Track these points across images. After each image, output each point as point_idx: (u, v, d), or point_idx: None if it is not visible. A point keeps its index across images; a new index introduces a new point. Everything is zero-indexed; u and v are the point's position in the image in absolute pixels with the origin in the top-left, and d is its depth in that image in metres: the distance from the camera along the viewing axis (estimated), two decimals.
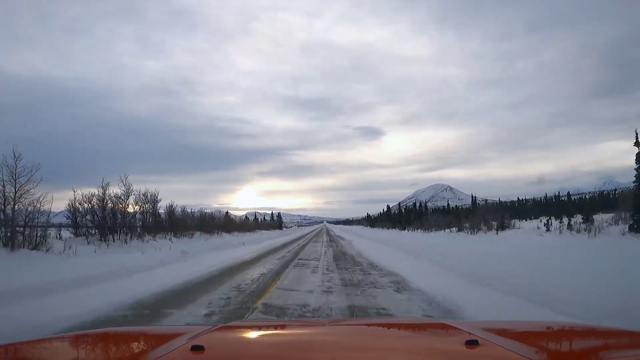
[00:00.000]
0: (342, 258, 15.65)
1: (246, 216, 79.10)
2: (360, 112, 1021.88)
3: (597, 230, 16.51)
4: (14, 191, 13.36)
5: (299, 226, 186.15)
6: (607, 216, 26.46)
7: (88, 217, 18.60)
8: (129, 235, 19.51)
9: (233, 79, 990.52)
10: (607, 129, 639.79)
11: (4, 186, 13.21)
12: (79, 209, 18.52)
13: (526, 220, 55.03)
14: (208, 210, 34.47)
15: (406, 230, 47.38)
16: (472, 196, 57.17)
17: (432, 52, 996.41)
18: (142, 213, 22.66)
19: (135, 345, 1.73)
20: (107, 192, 18.85)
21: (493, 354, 1.31)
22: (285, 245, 25.53)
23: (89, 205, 18.42)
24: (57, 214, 19.50)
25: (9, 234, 12.90)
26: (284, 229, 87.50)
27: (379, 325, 2.30)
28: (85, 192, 18.67)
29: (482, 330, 1.60)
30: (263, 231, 52.25)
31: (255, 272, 11.17)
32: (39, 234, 14.08)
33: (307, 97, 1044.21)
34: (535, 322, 2.45)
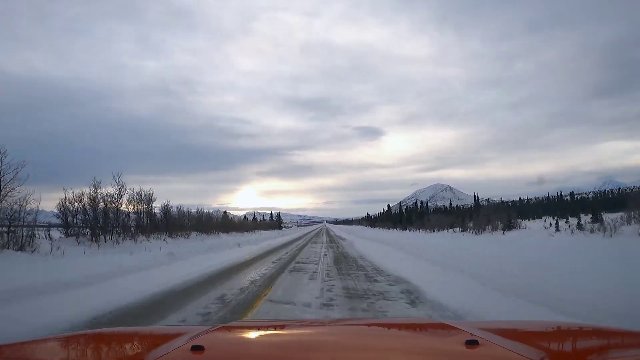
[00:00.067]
0: (343, 261, 14.43)
1: (245, 216, 78.41)
2: (360, 112, 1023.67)
3: (612, 230, 15.74)
4: None
5: (298, 226, 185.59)
6: (613, 216, 25.90)
7: (79, 216, 17.98)
8: (122, 235, 18.89)
9: (233, 79, 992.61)
10: (607, 129, 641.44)
11: None
12: (69, 209, 17.83)
13: (529, 220, 54.31)
14: (206, 210, 33.87)
15: (408, 231, 46.70)
16: (475, 196, 56.51)
17: (432, 52, 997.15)
18: (136, 213, 22.13)
19: (135, 345, 1.73)
20: (99, 190, 18.31)
21: (493, 354, 1.31)
22: (282, 247, 24.47)
23: (80, 204, 17.76)
24: (55, 215, 18.95)
25: None
26: (283, 229, 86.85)
27: (379, 325, 2.30)
28: (77, 191, 18.01)
29: (482, 330, 1.59)
30: (262, 231, 51.69)
31: (246, 279, 9.91)
32: (25, 234, 13.45)
33: (307, 97, 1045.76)
34: (535, 322, 2.43)
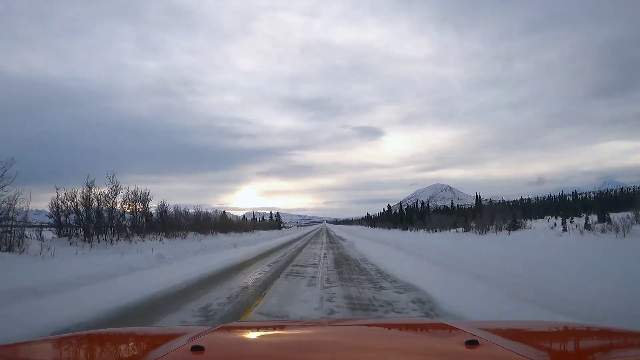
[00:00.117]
0: (344, 264, 13.41)
1: (244, 216, 77.89)
2: (359, 112, 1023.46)
3: (625, 229, 15.16)
4: None
5: (298, 226, 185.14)
6: (619, 215, 25.40)
7: (72, 216, 17.48)
8: (117, 235, 18.38)
9: (233, 79, 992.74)
10: (607, 129, 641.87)
11: None
12: (62, 208, 17.33)
13: (531, 219, 53.76)
14: (204, 210, 33.38)
15: (409, 231, 46.20)
16: (477, 195, 55.95)
17: (431, 52, 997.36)
18: (132, 212, 21.63)
19: (135, 345, 1.72)
20: (93, 190, 17.83)
21: (493, 354, 1.30)
22: (281, 247, 23.72)
23: (72, 203, 17.23)
24: (47, 214, 18.53)
25: None
26: (283, 229, 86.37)
27: (379, 325, 2.30)
28: (69, 190, 17.50)
29: (482, 330, 1.58)
30: (261, 231, 51.21)
31: (237, 285, 8.94)
32: (14, 234, 12.93)
33: (307, 97, 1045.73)
34: (535, 322, 2.41)
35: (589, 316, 4.83)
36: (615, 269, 7.75)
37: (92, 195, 17.80)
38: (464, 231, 29.38)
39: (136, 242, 18.57)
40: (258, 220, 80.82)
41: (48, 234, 17.42)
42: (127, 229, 20.18)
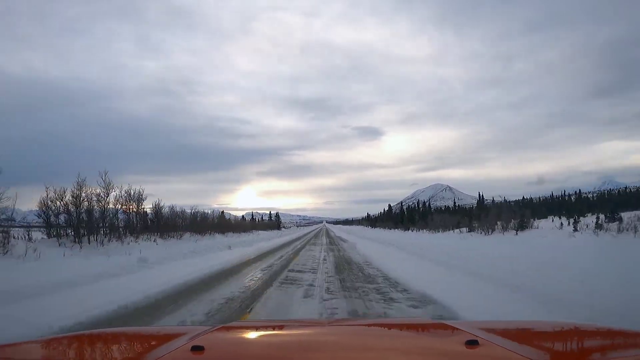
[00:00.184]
0: (346, 269, 12.09)
1: (243, 217, 77.15)
2: (359, 112, 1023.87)
3: None
4: None
5: (297, 226, 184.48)
6: (628, 214, 24.83)
7: (62, 216, 16.81)
8: (108, 236, 17.70)
9: (233, 79, 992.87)
10: (607, 129, 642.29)
11: None
12: (51, 208, 16.68)
13: (534, 219, 53.11)
14: (202, 210, 32.67)
15: (410, 231, 45.50)
16: (480, 195, 55.29)
17: (431, 52, 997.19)
18: (126, 212, 20.94)
19: (135, 345, 1.72)
20: (84, 189, 17.15)
21: (493, 354, 1.30)
22: (278, 249, 22.78)
23: (62, 203, 16.56)
24: (36, 214, 17.93)
25: None
26: (282, 229, 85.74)
27: (379, 325, 2.29)
28: (59, 189, 16.84)
29: (482, 330, 1.58)
30: (260, 232, 50.57)
31: (220, 296, 7.70)
32: None
33: (307, 97, 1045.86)
34: (535, 322, 2.40)
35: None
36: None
37: (83, 194, 17.19)
38: (468, 231, 28.65)
39: (128, 243, 17.88)
40: (257, 220, 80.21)
41: (37, 234, 16.86)
42: (120, 230, 19.52)
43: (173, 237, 22.74)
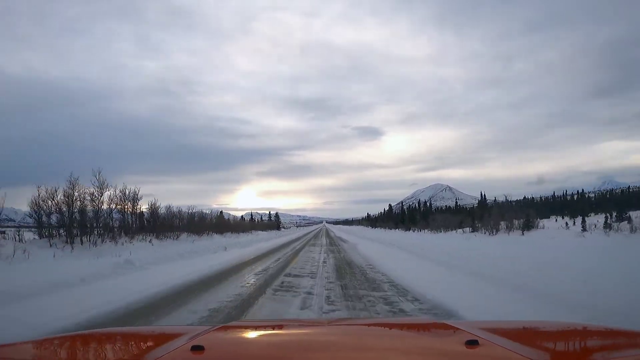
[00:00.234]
0: (348, 273, 11.28)
1: (242, 217, 76.64)
2: (359, 112, 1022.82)
3: None
4: None
5: (297, 226, 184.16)
6: (635, 213, 24.54)
7: (54, 216, 16.36)
8: (102, 237, 17.25)
9: (232, 79, 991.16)
10: (607, 129, 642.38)
11: None
12: (43, 207, 16.23)
13: (538, 219, 52.72)
14: (200, 210, 32.20)
15: (411, 231, 45.03)
16: (482, 194, 54.82)
17: (431, 52, 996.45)
18: (121, 212, 20.48)
19: (135, 345, 1.72)
20: (76, 188, 16.74)
21: (493, 354, 1.30)
22: (276, 250, 21.95)
23: (53, 202, 16.10)
24: (26, 214, 17.53)
25: None
26: (282, 229, 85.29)
27: (379, 325, 2.28)
28: (50, 188, 16.40)
29: (482, 330, 1.57)
30: (259, 232, 50.06)
31: (205, 306, 6.77)
32: None
33: (307, 97, 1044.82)
34: (535, 322, 2.35)
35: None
36: None
37: (76, 193, 16.76)
38: (472, 231, 28.14)
39: (122, 244, 17.39)
40: (257, 220, 79.71)
41: (29, 234, 16.43)
42: (115, 230, 19.06)
43: (169, 237, 22.26)
